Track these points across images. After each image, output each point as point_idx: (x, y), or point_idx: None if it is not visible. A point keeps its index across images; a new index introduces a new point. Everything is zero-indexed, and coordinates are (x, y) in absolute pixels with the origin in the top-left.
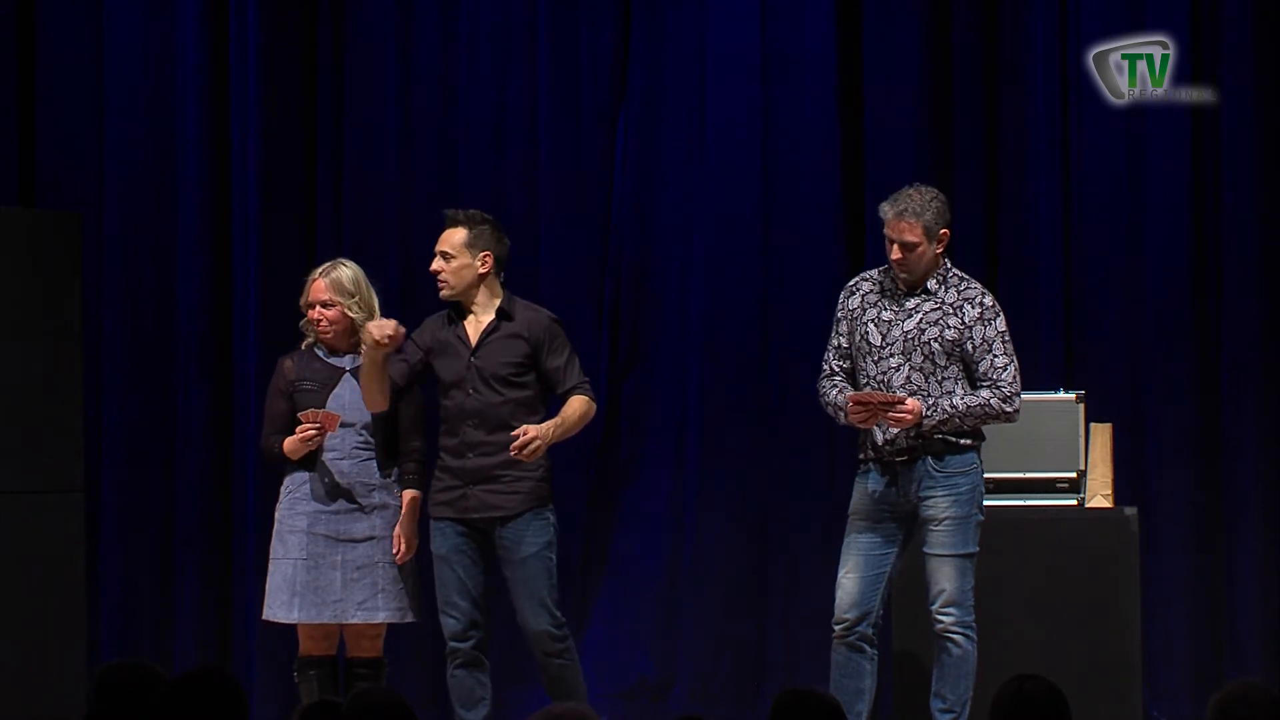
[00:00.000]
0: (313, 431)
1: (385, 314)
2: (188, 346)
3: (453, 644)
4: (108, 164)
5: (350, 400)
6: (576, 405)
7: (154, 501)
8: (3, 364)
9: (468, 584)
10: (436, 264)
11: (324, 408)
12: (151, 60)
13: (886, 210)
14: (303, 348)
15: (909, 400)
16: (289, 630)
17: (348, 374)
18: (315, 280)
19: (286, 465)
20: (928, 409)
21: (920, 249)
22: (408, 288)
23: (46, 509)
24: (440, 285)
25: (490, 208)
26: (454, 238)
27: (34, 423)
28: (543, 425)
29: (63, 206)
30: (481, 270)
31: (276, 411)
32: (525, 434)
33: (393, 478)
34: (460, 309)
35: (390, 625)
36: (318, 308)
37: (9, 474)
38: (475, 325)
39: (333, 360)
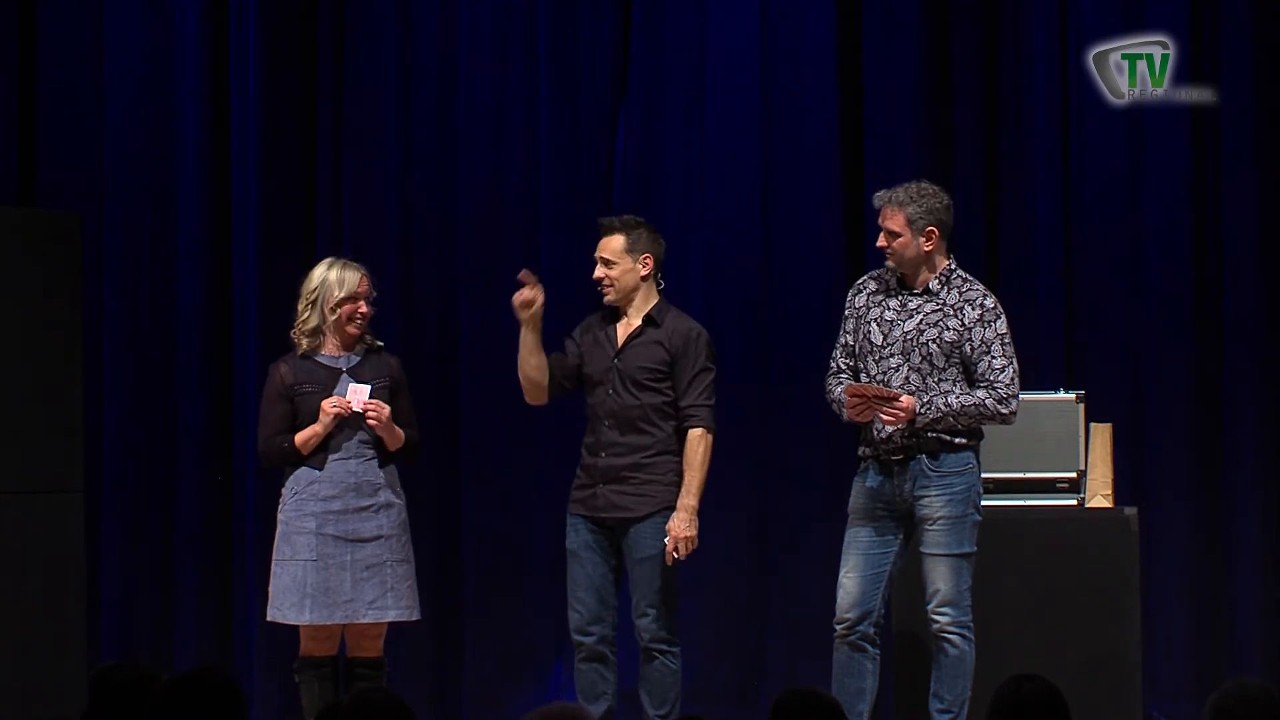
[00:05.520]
0: (340, 409)
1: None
2: (188, 346)
3: (576, 637)
4: (108, 164)
5: (351, 399)
6: (694, 445)
7: (154, 501)
8: (2, 364)
9: (595, 580)
10: (599, 271)
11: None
12: (151, 60)
13: (879, 196)
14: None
15: (904, 398)
16: (289, 630)
17: (345, 374)
18: (361, 275)
19: (288, 467)
20: (921, 406)
21: (902, 239)
22: (407, 288)
23: (46, 509)
24: (605, 291)
25: (490, 207)
26: (613, 244)
27: (34, 423)
28: (680, 507)
29: (63, 206)
30: (644, 272)
31: (276, 415)
32: (670, 535)
33: (395, 476)
34: (616, 310)
35: (390, 626)
36: (363, 303)
37: (9, 474)
38: (625, 327)
39: (329, 362)
